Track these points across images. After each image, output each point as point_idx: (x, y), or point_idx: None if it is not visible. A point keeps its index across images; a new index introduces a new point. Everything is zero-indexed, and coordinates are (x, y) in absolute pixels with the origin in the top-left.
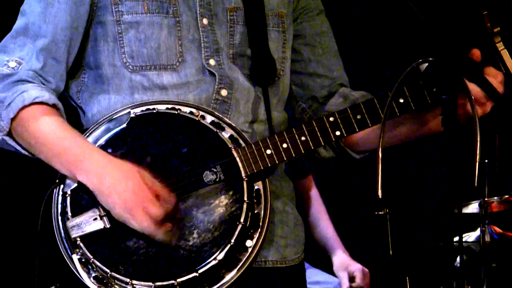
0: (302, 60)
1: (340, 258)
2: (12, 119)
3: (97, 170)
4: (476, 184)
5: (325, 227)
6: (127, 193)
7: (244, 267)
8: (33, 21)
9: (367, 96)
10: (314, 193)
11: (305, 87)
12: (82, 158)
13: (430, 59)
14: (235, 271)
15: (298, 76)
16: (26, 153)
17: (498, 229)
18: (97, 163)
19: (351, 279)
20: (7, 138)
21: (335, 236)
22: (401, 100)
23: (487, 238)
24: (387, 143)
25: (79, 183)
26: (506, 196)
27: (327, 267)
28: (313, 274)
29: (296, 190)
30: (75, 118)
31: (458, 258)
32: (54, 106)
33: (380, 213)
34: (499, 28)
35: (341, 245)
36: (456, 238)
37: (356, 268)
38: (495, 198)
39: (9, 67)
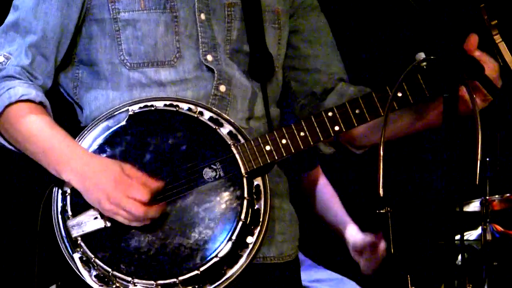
0: (300, 56)
1: (357, 237)
2: None
3: (81, 168)
4: (477, 183)
5: (338, 210)
6: (109, 185)
7: (246, 263)
8: (23, 16)
9: (365, 90)
10: (324, 181)
11: (303, 83)
12: (69, 158)
13: (431, 57)
14: (236, 267)
15: (297, 72)
16: (13, 149)
17: (499, 228)
18: (82, 162)
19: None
20: None
21: (348, 218)
22: (399, 94)
23: (489, 237)
24: (387, 138)
25: None
26: (508, 195)
27: (329, 264)
28: (315, 272)
29: (306, 183)
30: (72, 114)
31: (459, 257)
32: (40, 103)
33: (381, 211)
34: (496, 21)
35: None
36: (458, 237)
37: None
38: (497, 196)
39: None
